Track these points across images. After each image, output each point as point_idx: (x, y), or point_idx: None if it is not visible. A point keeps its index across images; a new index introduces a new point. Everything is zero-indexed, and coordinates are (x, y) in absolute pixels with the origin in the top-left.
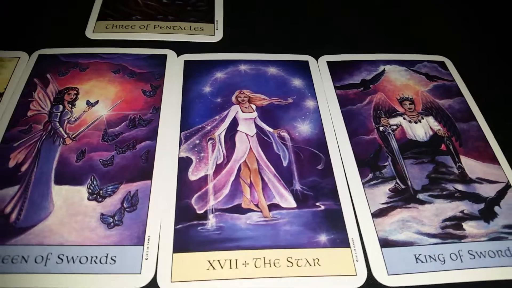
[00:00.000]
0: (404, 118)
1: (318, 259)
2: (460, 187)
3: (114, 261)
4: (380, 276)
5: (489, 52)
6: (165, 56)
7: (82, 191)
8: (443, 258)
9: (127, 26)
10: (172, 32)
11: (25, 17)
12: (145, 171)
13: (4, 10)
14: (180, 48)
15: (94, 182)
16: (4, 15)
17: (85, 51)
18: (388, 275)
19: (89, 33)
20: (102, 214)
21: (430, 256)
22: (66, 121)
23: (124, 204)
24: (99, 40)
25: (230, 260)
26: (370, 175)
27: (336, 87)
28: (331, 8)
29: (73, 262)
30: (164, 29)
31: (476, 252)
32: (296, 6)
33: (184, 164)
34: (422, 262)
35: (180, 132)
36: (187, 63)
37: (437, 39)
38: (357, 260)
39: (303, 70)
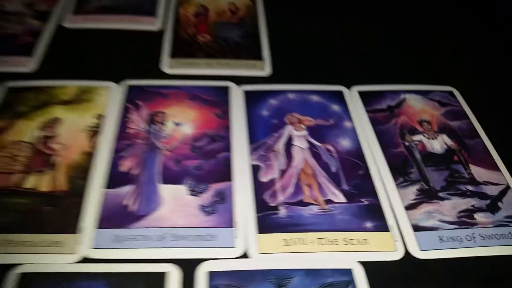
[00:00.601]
0: (423, 136)
1: (366, 239)
2: (470, 187)
3: (214, 238)
4: (414, 251)
5: (489, 84)
6: (228, 87)
7: (182, 188)
8: (461, 239)
9: (194, 63)
10: (231, 68)
11: (107, 53)
12: (226, 174)
13: (89, 49)
14: (238, 80)
15: (191, 182)
16: (89, 53)
17: (164, 83)
18: (420, 250)
19: (165, 68)
20: (201, 205)
21: (450, 237)
22: (160, 137)
23: (216, 198)
24: (174, 74)
25: (300, 239)
26: (401, 179)
27: (367, 111)
28: (359, 47)
29: (184, 239)
30: (224, 65)
31: (485, 235)
32: (329, 45)
33: (255, 170)
34: (445, 241)
35: (249, 145)
36: (246, 93)
37: (447, 72)
38: (396, 241)
39: (339, 98)
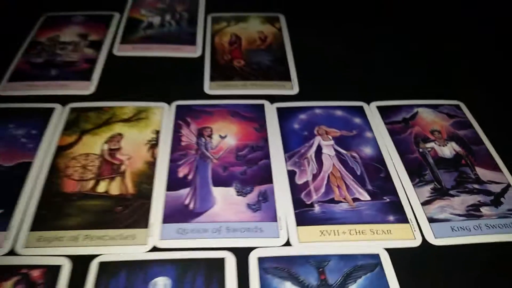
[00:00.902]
0: (435, 143)
1: (390, 230)
2: (476, 186)
3: (261, 230)
4: (430, 239)
5: (491, 98)
6: (263, 104)
7: (231, 190)
8: (469, 228)
9: (232, 84)
10: (264, 88)
11: (155, 77)
12: (267, 178)
13: (139, 74)
14: (271, 99)
15: (238, 185)
16: (139, 77)
17: (208, 102)
18: (435, 238)
19: (207, 90)
20: (248, 204)
21: (460, 227)
22: (209, 148)
23: (260, 198)
24: (215, 95)
25: (334, 230)
26: (417, 180)
27: (385, 123)
28: (376, 67)
29: (236, 231)
30: (258, 86)
31: (490, 225)
32: (349, 66)
33: (291, 174)
34: (456, 231)
35: (284, 154)
36: (279, 109)
37: (454, 88)
38: (415, 230)
39: (360, 112)
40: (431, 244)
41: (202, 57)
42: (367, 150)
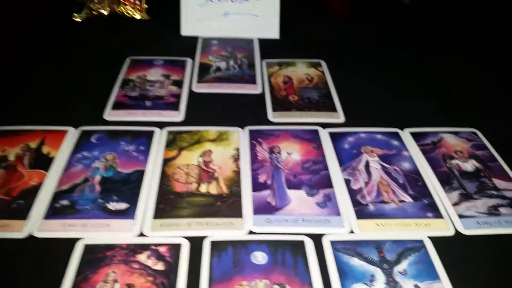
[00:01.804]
0: (459, 160)
1: (429, 223)
2: (494, 192)
3: (329, 221)
4: (461, 230)
5: (501, 127)
6: (317, 130)
7: (302, 192)
8: (491, 223)
9: (290, 114)
10: (316, 117)
11: (227, 108)
12: (329, 184)
13: (214, 105)
14: (323, 125)
15: (307, 189)
16: (215, 108)
17: (274, 127)
18: (465, 229)
19: (271, 118)
20: (316, 202)
21: (484, 222)
22: (280, 161)
23: (325, 198)
24: (277, 122)
25: (387, 223)
26: (447, 187)
27: (418, 145)
28: (409, 100)
29: (310, 222)
30: (311, 115)
31: (508, 220)
32: (385, 99)
33: (347, 182)
34: (481, 224)
35: (339, 167)
36: (330, 133)
37: (471, 118)
38: (449, 224)
39: (396, 136)
40: (462, 233)
41: (262, 93)
42: (406, 165)
